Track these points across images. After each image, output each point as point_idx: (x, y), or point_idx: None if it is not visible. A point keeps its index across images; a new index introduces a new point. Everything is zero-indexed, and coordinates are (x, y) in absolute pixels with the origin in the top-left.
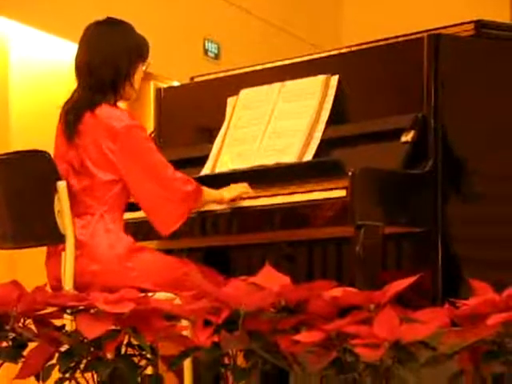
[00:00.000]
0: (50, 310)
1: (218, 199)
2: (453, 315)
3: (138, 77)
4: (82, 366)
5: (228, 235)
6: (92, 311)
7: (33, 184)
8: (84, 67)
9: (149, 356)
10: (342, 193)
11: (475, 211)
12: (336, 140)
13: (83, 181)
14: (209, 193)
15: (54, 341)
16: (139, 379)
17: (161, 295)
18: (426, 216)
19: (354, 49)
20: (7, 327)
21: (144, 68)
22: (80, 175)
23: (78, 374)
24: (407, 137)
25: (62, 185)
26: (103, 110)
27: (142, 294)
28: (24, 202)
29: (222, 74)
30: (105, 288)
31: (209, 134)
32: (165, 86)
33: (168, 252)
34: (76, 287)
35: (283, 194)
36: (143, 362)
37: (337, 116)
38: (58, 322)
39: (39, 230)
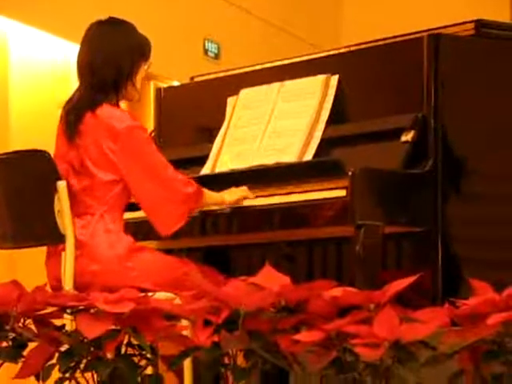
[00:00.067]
0: (49, 309)
1: (218, 202)
2: (453, 315)
3: (139, 77)
4: (82, 365)
5: (228, 235)
6: (92, 311)
7: (33, 184)
8: (86, 67)
9: (149, 356)
10: (342, 192)
11: (475, 211)
12: (336, 140)
13: (83, 181)
14: (210, 195)
15: (54, 341)
16: (139, 379)
17: (161, 295)
18: (426, 216)
19: (353, 49)
20: (7, 327)
21: (146, 68)
22: (80, 175)
23: (78, 374)
24: (407, 136)
25: (61, 185)
26: (104, 110)
27: (142, 294)
28: (24, 201)
29: (221, 74)
30: (105, 288)
31: (209, 133)
32: (165, 85)
33: (168, 252)
34: (76, 287)
35: (283, 194)
36: (143, 362)
37: (337, 116)
38: (58, 322)
39: (39, 229)
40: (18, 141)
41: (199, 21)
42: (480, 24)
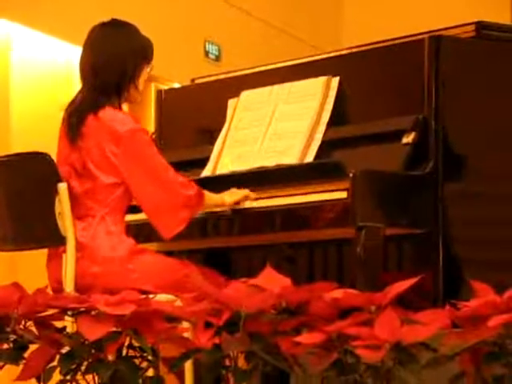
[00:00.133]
0: (50, 311)
1: (219, 203)
2: (454, 316)
3: (142, 79)
4: (83, 367)
5: (229, 237)
6: (93, 313)
7: (33, 186)
8: (88, 69)
9: (150, 358)
10: (343, 194)
11: (476, 212)
12: (337, 141)
13: (85, 183)
14: (210, 197)
15: (55, 343)
16: (140, 381)
17: (162, 297)
18: (427, 217)
19: (354, 50)
20: (8, 329)
21: (149, 70)
22: (82, 178)
23: (79, 376)
24: (408, 138)
25: (62, 187)
26: (106, 113)
27: (143, 296)
28: (25, 203)
29: (222, 76)
30: (106, 290)
31: (209, 135)
32: (166, 87)
33: (169, 254)
34: (77, 289)
35: (284, 196)
36: (144, 364)
37: (338, 118)
38: (59, 324)
39: (40, 231)
40: (19, 143)
41: (200, 23)
42: (481, 26)
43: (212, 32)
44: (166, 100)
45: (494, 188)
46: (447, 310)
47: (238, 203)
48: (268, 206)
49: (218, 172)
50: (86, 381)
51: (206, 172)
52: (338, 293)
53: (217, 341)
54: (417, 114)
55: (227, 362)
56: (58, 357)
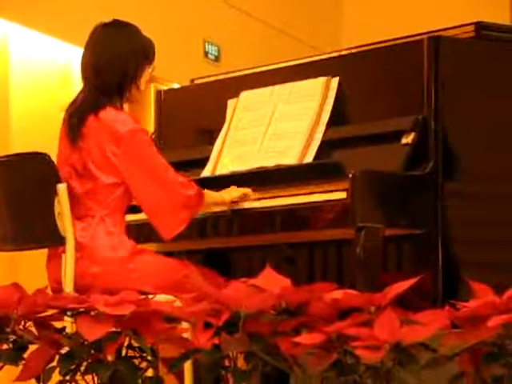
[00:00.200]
0: (50, 312)
1: (218, 201)
2: (453, 317)
3: (144, 80)
4: (82, 368)
5: (228, 237)
6: (92, 313)
7: (33, 186)
8: (90, 69)
9: (149, 358)
10: (343, 195)
11: (475, 213)
12: (336, 142)
13: (86, 184)
14: (209, 195)
15: (55, 343)
16: (140, 381)
17: (161, 297)
18: (427, 218)
19: (354, 51)
20: (8, 329)
21: (150, 71)
22: (83, 178)
23: (78, 377)
24: (407, 139)
25: (62, 187)
26: (107, 114)
27: (143, 297)
28: (24, 204)
29: (222, 76)
30: (105, 290)
31: (209, 135)
32: (165, 88)
33: (168, 254)
34: (76, 289)
35: (284, 196)
36: (144, 364)
37: (337, 118)
38: (58, 325)
39: (39, 232)
40: (19, 143)
41: (199, 23)
42: (480, 26)
43: (211, 32)
44: (165, 100)
45: (494, 188)
46: (447, 310)
47: (237, 201)
48: (267, 207)
49: (218, 172)
50: (86, 381)
51: (206, 172)
52: (338, 293)
53: (216, 341)
54: (416, 114)
55: (227, 363)
56: (57, 357)
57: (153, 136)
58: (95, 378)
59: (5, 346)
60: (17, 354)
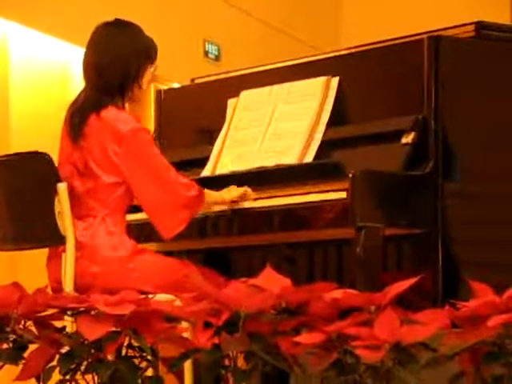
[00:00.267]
0: (50, 311)
1: (218, 201)
2: (453, 317)
3: (146, 79)
4: (82, 367)
5: (228, 237)
6: (92, 313)
7: (33, 186)
8: (92, 68)
9: (149, 358)
10: (343, 195)
11: (475, 213)
12: (336, 142)
13: (87, 183)
14: (209, 194)
15: (55, 342)
16: (140, 381)
17: (161, 297)
18: (427, 217)
19: (354, 51)
20: (8, 329)
21: (152, 70)
22: (84, 177)
23: (78, 376)
24: (407, 138)
25: (62, 186)
26: (109, 113)
27: (143, 296)
28: (24, 203)
29: (222, 76)
30: (105, 290)
31: (209, 135)
32: (165, 87)
33: (168, 254)
34: (76, 289)
35: (284, 196)
36: (144, 364)
37: (337, 118)
38: (58, 324)
39: (40, 231)
40: (19, 143)
41: (199, 23)
42: (480, 26)
43: (211, 32)
44: (165, 100)
45: (494, 188)
46: (447, 310)
47: (237, 200)
48: (268, 206)
49: (218, 172)
50: (86, 380)
51: (206, 172)
52: (338, 293)
53: (216, 341)
54: (416, 114)
55: (227, 362)
56: (57, 356)
57: (153, 135)
58: (95, 378)
59: (5, 346)
60: (17, 354)
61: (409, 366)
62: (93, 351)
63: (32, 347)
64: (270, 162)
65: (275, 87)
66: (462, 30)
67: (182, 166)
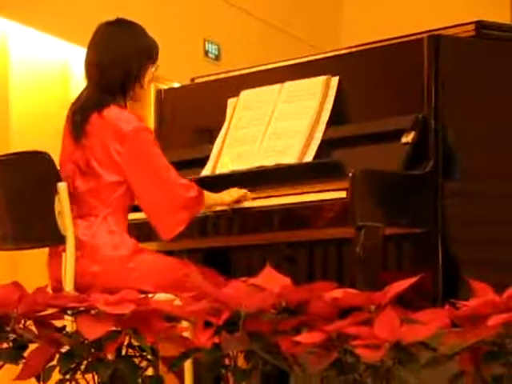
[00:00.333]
0: (50, 311)
1: (218, 202)
2: (453, 316)
3: (147, 79)
4: (82, 367)
5: (228, 236)
6: (93, 312)
7: (33, 185)
8: (93, 68)
9: (149, 357)
10: (343, 194)
11: (476, 212)
12: (336, 141)
13: (89, 182)
14: (209, 196)
15: (55, 342)
16: (140, 380)
17: (161, 296)
18: (427, 217)
19: (353, 50)
20: (8, 328)
21: (153, 70)
22: (86, 176)
23: (78, 375)
24: (408, 138)
25: (62, 186)
26: (111, 112)
27: (143, 296)
28: (24, 203)
29: (222, 75)
30: (105, 289)
31: (209, 134)
32: (165, 87)
33: (168, 253)
34: (77, 288)
35: (283, 195)
36: (144, 363)
37: (337, 117)
38: (58, 323)
39: (40, 231)
40: (19, 142)
41: (199, 22)
42: (480, 25)
43: (212, 31)
44: (165, 99)
45: (494, 187)
46: (447, 309)
47: (236, 202)
48: (267, 206)
49: (218, 171)
50: (86, 380)
51: (206, 171)
52: (338, 292)
53: (216, 340)
54: (416, 113)
55: (227, 362)
56: (57, 356)
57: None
58: (95, 377)
59: (5, 345)
60: (17, 353)
61: (409, 366)
62: (93, 351)
63: (32, 347)
64: (269, 161)
65: (275, 86)
66: (462, 29)
67: (182, 165)
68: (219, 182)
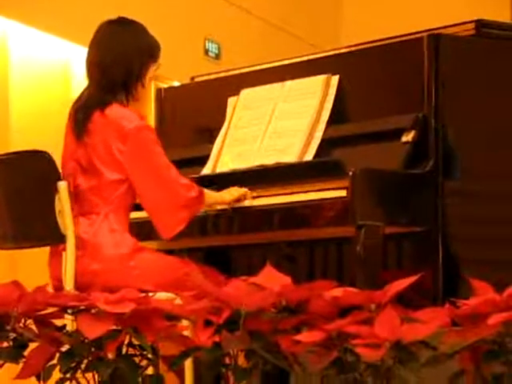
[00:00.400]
0: (50, 310)
1: (218, 201)
2: (453, 315)
3: (148, 77)
4: (82, 366)
5: (229, 235)
6: (93, 311)
7: (33, 184)
8: (95, 66)
9: (150, 356)
10: (343, 193)
11: (475, 211)
12: (336, 140)
13: (91, 180)
14: (209, 195)
15: (55, 341)
16: (140, 379)
17: (162, 295)
18: (427, 216)
19: (353, 49)
20: (8, 327)
21: (155, 69)
22: (87, 174)
23: (78, 374)
24: (408, 137)
25: (62, 185)
26: (113, 110)
27: (143, 294)
28: (24, 202)
29: (222, 74)
30: (106, 288)
31: (209, 134)
32: (165, 86)
33: (169, 252)
34: (77, 287)
35: (284, 194)
36: (144, 362)
37: (337, 116)
38: (58, 322)
39: (40, 230)
40: (19, 141)
41: (200, 21)
42: (480, 24)
43: (212, 30)
44: (165, 98)
45: (494, 186)
46: (447, 308)
47: (237, 201)
48: (268, 205)
49: (218, 170)
50: (86, 379)
51: (206, 170)
52: (338, 291)
53: (217, 339)
54: (416, 112)
55: (227, 361)
56: (57, 355)
57: None
58: (96, 376)
59: (5, 344)
60: (17, 352)
61: (409, 365)
62: (93, 349)
63: (32, 346)
64: (270, 160)
65: (275, 85)
66: (462, 28)
67: (183, 164)
68: (219, 181)
